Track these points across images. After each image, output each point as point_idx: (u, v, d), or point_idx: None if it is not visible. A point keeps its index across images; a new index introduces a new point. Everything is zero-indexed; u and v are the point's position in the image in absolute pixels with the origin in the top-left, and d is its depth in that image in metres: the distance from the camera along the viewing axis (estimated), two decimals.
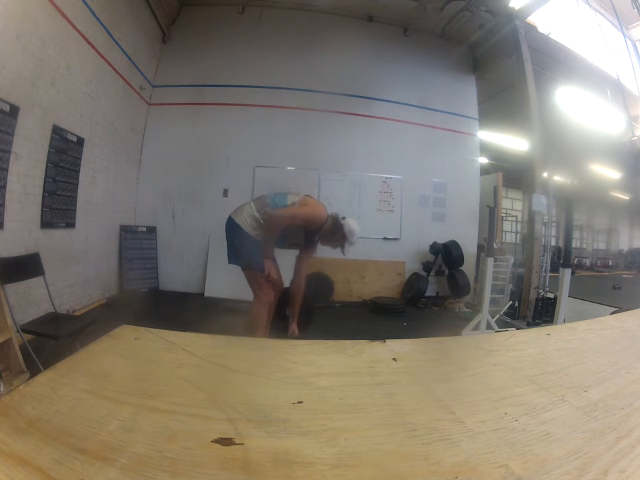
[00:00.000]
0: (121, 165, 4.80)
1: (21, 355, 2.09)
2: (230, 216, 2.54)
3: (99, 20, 3.83)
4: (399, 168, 5.78)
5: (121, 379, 0.62)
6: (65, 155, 3.51)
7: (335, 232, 2.55)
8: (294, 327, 2.54)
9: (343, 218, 2.59)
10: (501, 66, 5.84)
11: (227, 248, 2.55)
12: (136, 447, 0.44)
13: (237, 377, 0.67)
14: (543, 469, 0.42)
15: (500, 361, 0.78)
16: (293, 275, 2.63)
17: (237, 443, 0.46)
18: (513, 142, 7.64)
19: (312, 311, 2.81)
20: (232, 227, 2.48)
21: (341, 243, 2.55)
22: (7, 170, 2.77)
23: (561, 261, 3.72)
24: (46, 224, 3.30)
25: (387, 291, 5.52)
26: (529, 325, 4.45)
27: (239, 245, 2.47)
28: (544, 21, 5.89)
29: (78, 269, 3.87)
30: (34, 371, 2.02)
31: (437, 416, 0.54)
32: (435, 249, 5.53)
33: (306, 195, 2.63)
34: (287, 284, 2.74)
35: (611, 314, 1.39)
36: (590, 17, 7.12)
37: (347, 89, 5.63)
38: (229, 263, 2.56)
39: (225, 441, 0.46)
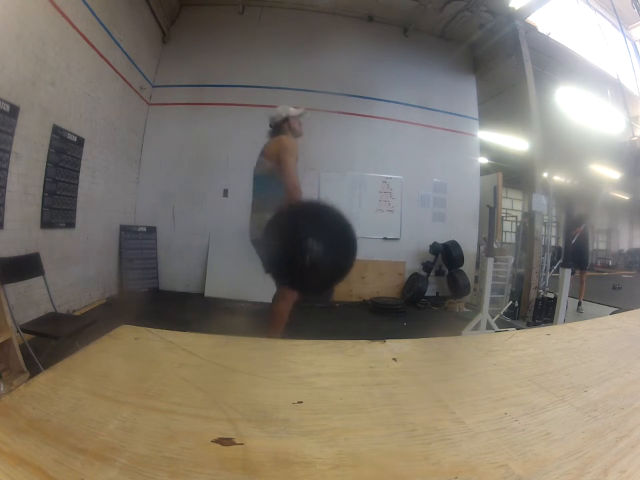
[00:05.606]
0: (121, 164, 4.80)
1: (20, 355, 2.10)
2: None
3: (99, 20, 3.83)
4: (399, 168, 5.78)
5: (120, 379, 0.62)
6: (65, 154, 3.51)
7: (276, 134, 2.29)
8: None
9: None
10: (501, 66, 5.84)
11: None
12: (136, 447, 0.44)
13: (237, 377, 0.67)
14: (542, 469, 0.42)
15: (500, 360, 0.78)
16: None
17: (237, 442, 0.46)
18: (513, 142, 7.64)
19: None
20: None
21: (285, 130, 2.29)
22: (6, 170, 2.77)
23: (561, 261, 3.73)
24: (46, 224, 3.30)
25: (387, 290, 5.52)
26: (529, 325, 4.45)
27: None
28: (544, 21, 5.88)
29: (78, 269, 3.87)
30: (34, 371, 2.02)
31: (437, 416, 0.54)
32: (435, 249, 5.53)
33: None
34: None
35: (611, 314, 1.39)
36: (590, 16, 7.11)
37: (347, 89, 5.63)
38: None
39: (225, 441, 0.46)
